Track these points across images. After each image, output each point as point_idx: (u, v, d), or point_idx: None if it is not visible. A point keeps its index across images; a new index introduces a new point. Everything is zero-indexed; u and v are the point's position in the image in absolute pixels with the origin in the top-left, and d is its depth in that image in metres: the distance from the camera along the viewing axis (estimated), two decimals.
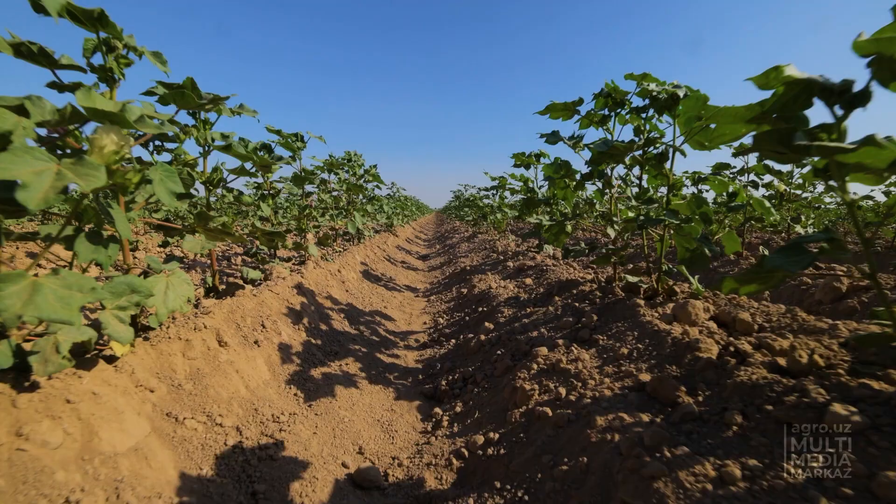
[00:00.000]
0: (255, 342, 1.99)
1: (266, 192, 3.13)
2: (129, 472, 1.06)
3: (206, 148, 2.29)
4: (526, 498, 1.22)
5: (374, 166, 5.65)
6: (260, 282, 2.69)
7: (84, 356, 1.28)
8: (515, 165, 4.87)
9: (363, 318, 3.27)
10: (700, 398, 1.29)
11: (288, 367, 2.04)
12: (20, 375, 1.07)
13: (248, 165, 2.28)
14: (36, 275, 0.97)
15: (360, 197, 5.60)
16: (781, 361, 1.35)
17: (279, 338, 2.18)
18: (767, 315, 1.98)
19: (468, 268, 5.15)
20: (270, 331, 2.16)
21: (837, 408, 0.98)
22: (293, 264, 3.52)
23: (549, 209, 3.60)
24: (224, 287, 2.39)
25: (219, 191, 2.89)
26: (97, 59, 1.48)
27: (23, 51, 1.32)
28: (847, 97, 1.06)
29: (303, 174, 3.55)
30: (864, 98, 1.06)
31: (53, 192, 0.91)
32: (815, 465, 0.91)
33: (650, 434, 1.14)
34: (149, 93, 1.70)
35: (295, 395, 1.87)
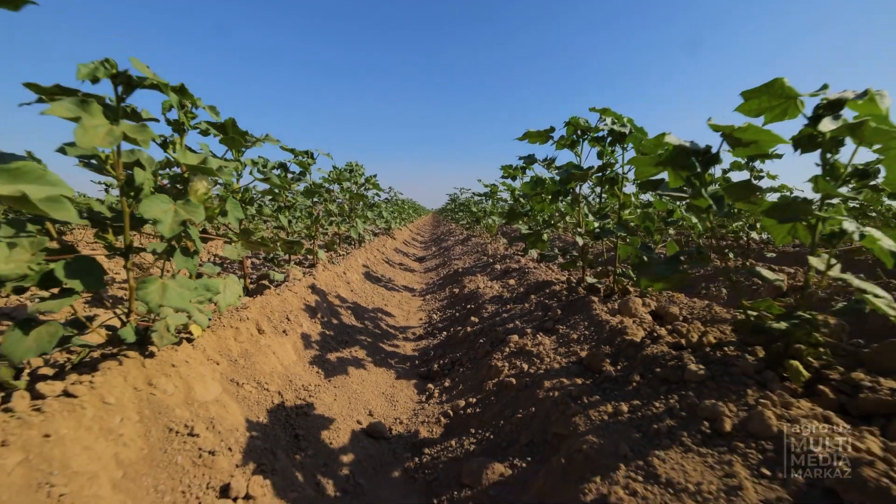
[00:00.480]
0: (283, 331, 2.47)
1: (282, 205, 3.60)
2: (215, 414, 1.54)
3: (239, 174, 2.76)
4: (491, 437, 1.71)
5: (374, 176, 6.14)
6: (280, 283, 3.16)
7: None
8: (503, 177, 5.38)
9: (367, 315, 3.75)
10: (619, 367, 1.79)
11: (309, 352, 2.52)
12: (140, 347, 1.54)
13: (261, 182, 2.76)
14: (161, 277, 1.45)
15: (361, 204, 6.08)
16: (682, 341, 1.84)
17: (301, 329, 2.66)
18: (692, 309, 2.48)
19: (460, 270, 5.64)
20: (293, 323, 2.64)
21: (692, 367, 1.48)
22: (305, 267, 4.00)
23: (528, 219, 4.09)
24: (253, 286, 2.86)
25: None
26: (172, 115, 1.95)
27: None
28: (706, 158, 1.56)
29: (313, 187, 4.02)
30: (716, 159, 1.56)
31: (176, 224, 1.39)
32: (671, 401, 1.41)
33: (576, 390, 1.63)
34: (201, 131, 2.18)
35: (317, 372, 2.35)
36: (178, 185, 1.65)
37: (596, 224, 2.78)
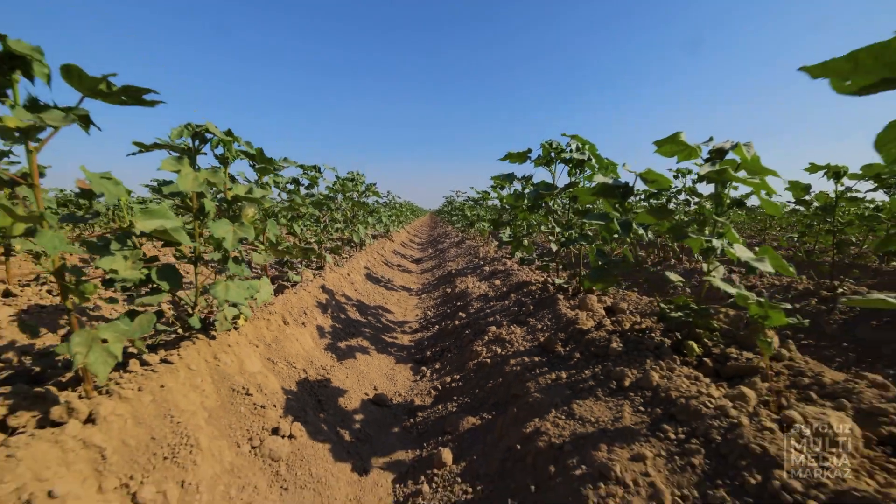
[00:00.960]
0: (302, 323, 2.99)
1: (296, 215, 4.12)
2: (261, 382, 2.06)
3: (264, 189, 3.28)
4: (468, 401, 2.24)
5: (374, 184, 6.67)
6: (296, 283, 3.68)
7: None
8: (493, 187, 5.91)
9: (369, 311, 4.27)
10: (567, 348, 2.32)
11: (324, 340, 3.04)
12: (204, 331, 2.06)
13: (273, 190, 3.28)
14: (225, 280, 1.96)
15: (362, 211, 6.60)
16: (619, 328, 2.38)
17: (316, 322, 3.18)
18: (638, 304, 3.02)
19: (453, 271, 6.17)
20: (310, 317, 3.16)
21: (614, 345, 2.01)
22: (314, 269, 4.51)
23: (512, 226, 4.62)
24: (275, 286, 3.38)
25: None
26: (218, 150, 2.47)
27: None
28: (625, 191, 2.10)
29: (322, 199, 4.55)
30: (630, 192, 2.10)
31: (235, 241, 1.91)
32: (596, 369, 1.94)
33: (532, 365, 2.16)
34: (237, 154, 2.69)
35: (331, 356, 2.87)
36: (232, 210, 2.16)
37: (563, 234, 3.31)
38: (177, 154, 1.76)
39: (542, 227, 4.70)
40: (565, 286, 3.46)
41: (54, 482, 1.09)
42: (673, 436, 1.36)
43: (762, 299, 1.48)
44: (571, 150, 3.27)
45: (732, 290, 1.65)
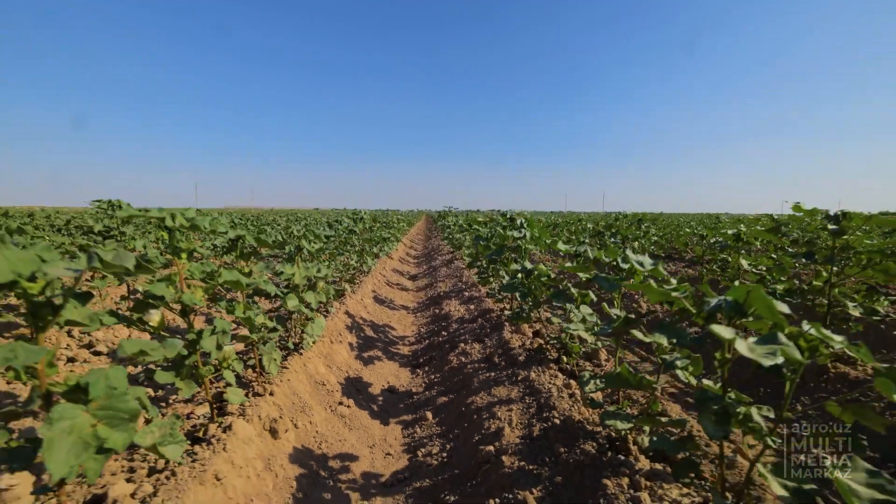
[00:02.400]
0: (339, 341, 4.66)
1: (324, 261, 5.78)
2: (326, 378, 3.73)
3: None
4: (443, 389, 3.93)
5: (377, 224, 8.35)
6: (331, 313, 5.33)
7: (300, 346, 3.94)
8: (473, 227, 7.58)
9: (379, 329, 5.94)
10: (500, 358, 4.00)
11: (353, 352, 4.71)
12: (296, 349, 3.72)
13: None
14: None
15: (368, 245, 8.28)
16: (531, 347, 4.07)
17: (347, 340, 4.85)
18: (552, 329, 4.73)
19: (441, 294, 7.86)
20: (343, 336, 4.82)
21: (521, 357, 3.70)
22: (337, 297, 6.17)
23: (480, 265, 6.30)
24: None
25: None
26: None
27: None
28: (528, 273, 3.81)
29: (342, 244, 6.21)
30: (531, 273, 3.80)
31: (317, 302, 3.58)
32: (509, 371, 3.62)
33: (479, 368, 3.85)
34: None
35: (359, 362, 4.54)
36: (311, 284, 3.81)
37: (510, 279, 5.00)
38: (290, 261, 3.43)
39: (501, 272, 6.39)
40: (512, 316, 5.15)
41: (277, 418, 2.76)
42: (529, 400, 3.05)
43: (588, 337, 3.17)
44: (518, 223, 4.96)
45: (572, 328, 3.34)
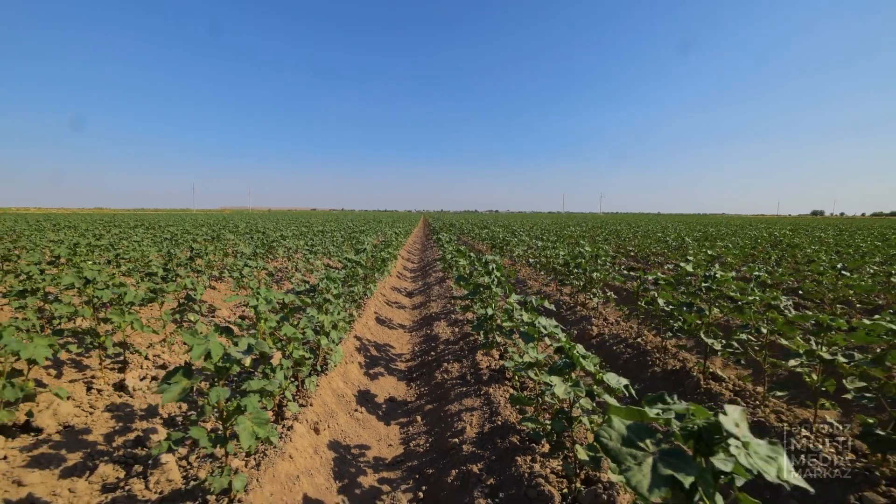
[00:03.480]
0: (351, 362, 6.08)
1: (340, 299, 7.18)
2: (344, 391, 5.16)
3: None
4: (430, 398, 5.37)
5: (381, 257, 9.77)
6: (343, 338, 6.76)
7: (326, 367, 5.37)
8: (457, 259, 8.99)
9: (380, 348, 7.36)
10: (471, 376, 5.43)
11: (362, 370, 6.14)
12: (322, 370, 5.15)
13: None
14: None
15: (371, 273, 9.70)
16: (495, 367, 5.51)
17: (356, 360, 6.28)
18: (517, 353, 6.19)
19: (433, 314, 9.29)
20: (353, 357, 6.25)
21: (485, 376, 5.14)
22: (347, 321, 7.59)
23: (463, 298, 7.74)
24: None
25: None
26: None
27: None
28: (477, 288, 5.27)
29: (356, 282, 7.64)
30: (501, 328, 5.26)
31: (338, 336, 5.03)
32: (475, 387, 5.06)
33: (456, 382, 5.30)
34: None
35: (367, 378, 5.97)
36: (333, 325, 5.24)
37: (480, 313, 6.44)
38: (318, 309, 4.85)
39: (477, 307, 7.82)
40: (484, 342, 6.59)
41: (313, 422, 4.19)
42: (485, 408, 4.48)
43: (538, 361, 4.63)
44: (490, 269, 6.40)
45: (518, 359, 4.79)
